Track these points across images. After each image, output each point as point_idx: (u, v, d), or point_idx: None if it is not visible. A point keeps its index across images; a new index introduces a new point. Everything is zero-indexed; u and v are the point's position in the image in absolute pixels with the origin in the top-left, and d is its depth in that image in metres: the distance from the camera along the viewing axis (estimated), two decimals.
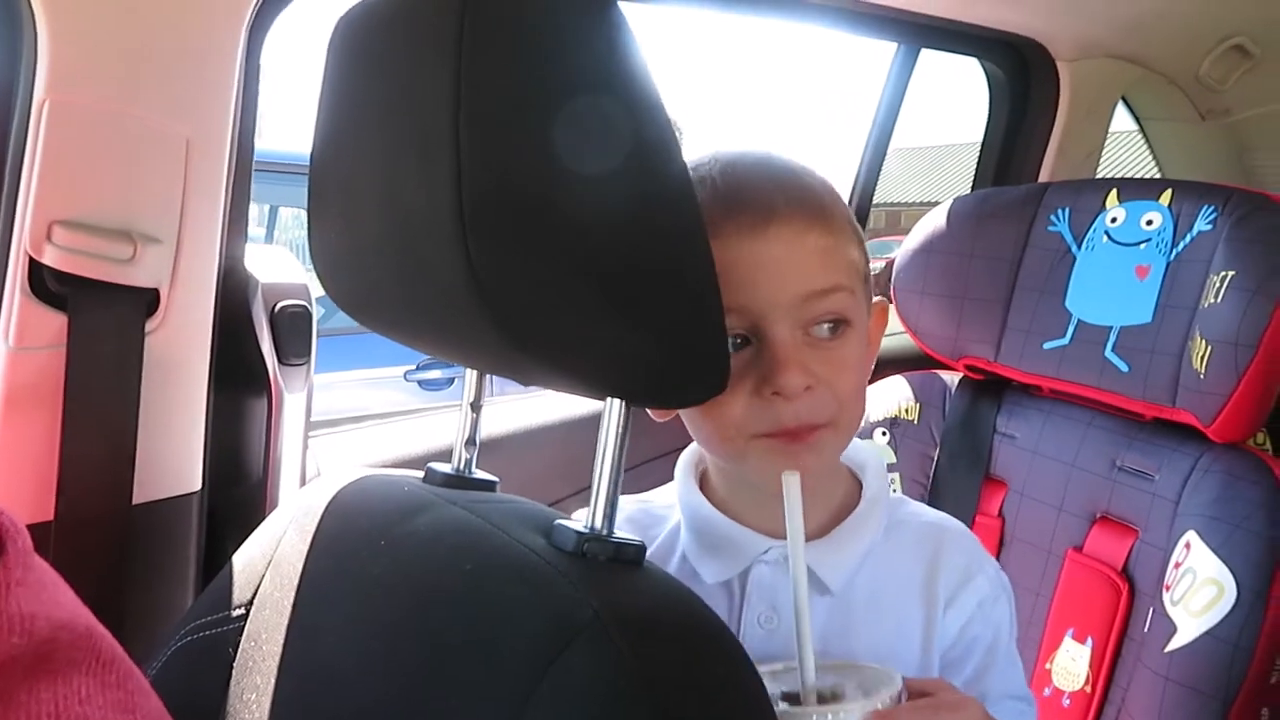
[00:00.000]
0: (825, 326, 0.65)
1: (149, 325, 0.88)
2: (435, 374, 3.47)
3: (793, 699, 0.60)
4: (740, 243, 0.63)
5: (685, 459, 0.75)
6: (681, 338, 0.53)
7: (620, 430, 0.54)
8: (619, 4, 0.49)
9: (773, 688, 0.58)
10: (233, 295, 0.96)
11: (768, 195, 0.65)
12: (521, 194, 0.47)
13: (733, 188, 0.65)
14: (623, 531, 0.53)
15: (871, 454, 0.75)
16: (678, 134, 0.53)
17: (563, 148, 0.47)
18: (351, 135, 0.57)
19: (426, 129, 0.48)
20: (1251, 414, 0.99)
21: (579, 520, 0.55)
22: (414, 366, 3.45)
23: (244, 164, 0.95)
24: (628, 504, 0.76)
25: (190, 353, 0.91)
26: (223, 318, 0.93)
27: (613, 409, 0.54)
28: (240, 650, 0.65)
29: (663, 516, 0.75)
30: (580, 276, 0.48)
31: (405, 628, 0.54)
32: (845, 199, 0.71)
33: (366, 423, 1.27)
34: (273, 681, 0.61)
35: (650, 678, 0.45)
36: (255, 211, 4.15)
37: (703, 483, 0.74)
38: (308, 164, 0.60)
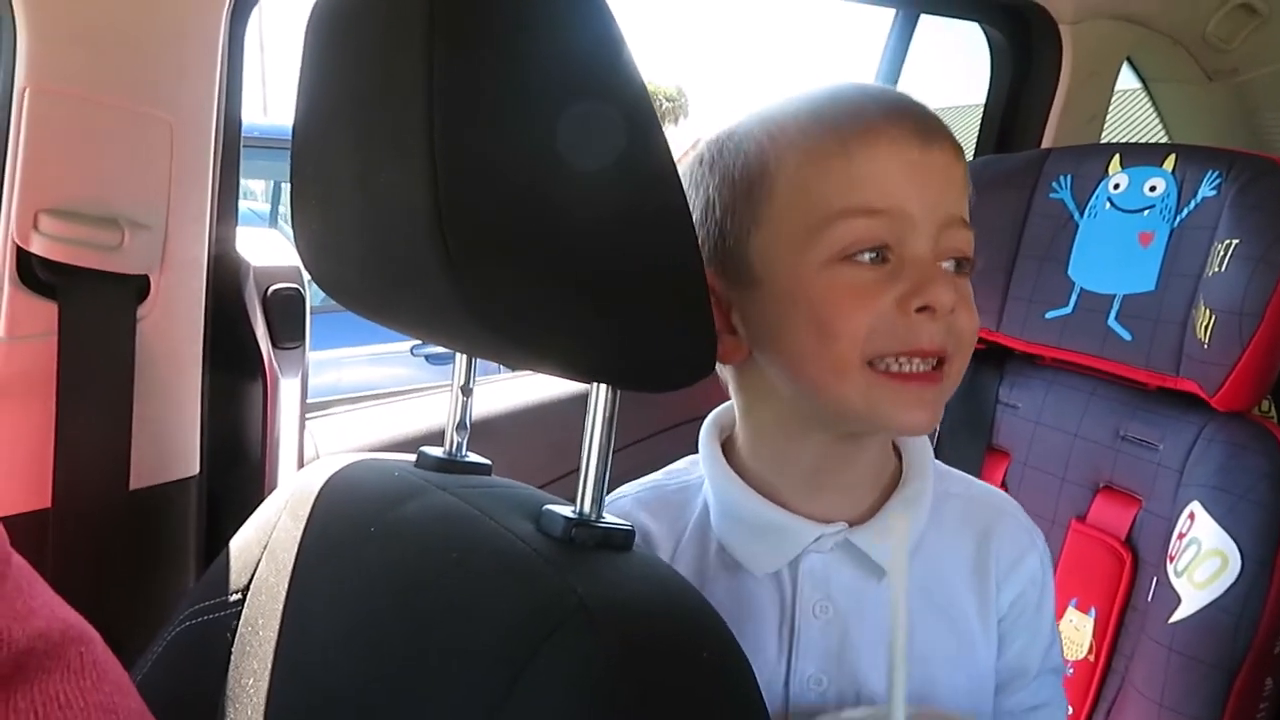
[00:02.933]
0: (952, 263, 0.61)
1: (140, 312, 0.87)
2: (441, 348, 3.46)
3: None
4: (906, 147, 0.60)
5: (709, 430, 0.70)
6: (667, 320, 0.53)
7: (607, 414, 0.54)
8: None
9: None
10: (224, 280, 0.96)
11: (926, 114, 0.62)
12: (498, 184, 0.46)
13: (884, 101, 0.62)
14: (643, 521, 0.52)
15: None
16: (682, 100, 0.52)
17: (540, 137, 0.46)
18: (328, 121, 0.56)
19: (400, 121, 0.47)
20: (1256, 383, 0.98)
21: (570, 506, 0.54)
22: (420, 341, 3.45)
23: (230, 147, 0.95)
24: (638, 489, 0.72)
25: (183, 338, 0.91)
26: (215, 302, 0.93)
27: (599, 393, 0.53)
28: (238, 635, 0.65)
29: (683, 501, 0.70)
30: (560, 264, 0.48)
31: (392, 616, 0.54)
32: None
33: (365, 403, 1.27)
34: (269, 666, 0.61)
35: (634, 666, 0.45)
36: (261, 187, 4.13)
37: (727, 454, 0.69)
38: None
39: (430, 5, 0.45)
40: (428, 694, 0.49)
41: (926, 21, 1.61)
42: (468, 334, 0.54)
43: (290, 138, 0.58)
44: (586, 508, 0.53)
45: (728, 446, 0.70)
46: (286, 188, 3.61)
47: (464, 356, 0.68)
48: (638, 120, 0.49)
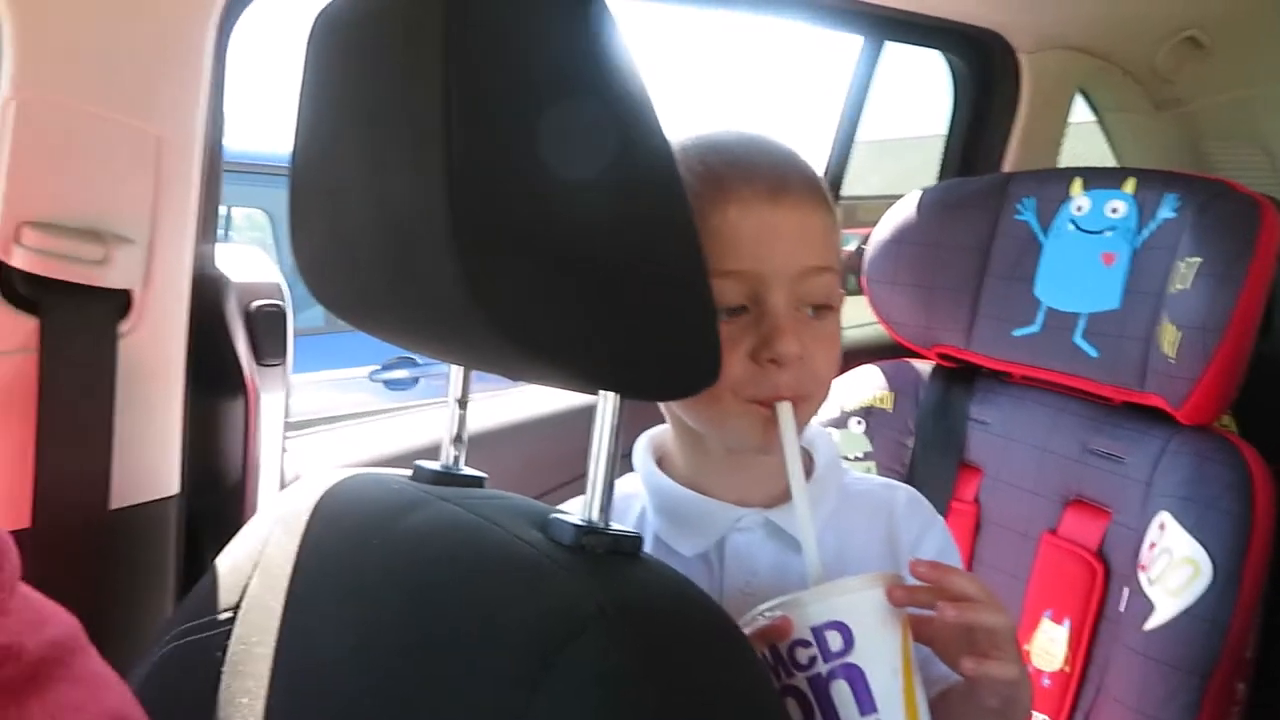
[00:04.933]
0: (810, 308, 0.67)
1: (122, 327, 0.86)
2: (401, 374, 3.45)
3: None
4: (755, 208, 0.65)
5: (641, 446, 0.77)
6: (674, 329, 0.53)
7: (614, 423, 0.54)
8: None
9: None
10: (206, 296, 0.94)
11: (780, 167, 0.68)
12: (512, 193, 0.47)
13: (740, 157, 0.67)
14: None
15: (817, 428, 0.78)
16: None
17: (552, 146, 0.47)
18: (335, 135, 0.57)
19: (416, 131, 0.47)
20: (1220, 396, 1.02)
21: (574, 514, 0.55)
22: (379, 367, 3.42)
23: (214, 162, 0.94)
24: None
25: (165, 354, 0.89)
26: (197, 319, 0.92)
27: (607, 402, 0.54)
28: (229, 654, 0.64)
29: (624, 508, 0.76)
30: (572, 273, 0.48)
31: (400, 627, 0.54)
32: None
33: (342, 423, 1.26)
34: (265, 684, 0.60)
35: (654, 664, 0.45)
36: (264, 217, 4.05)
37: (661, 465, 0.75)
38: (258, 162, 0.59)
39: (446, 15, 0.46)
40: (446, 702, 0.49)
41: (892, 51, 1.65)
42: (477, 344, 0.54)
43: (242, 160, 0.58)
44: (595, 515, 0.54)
45: (662, 462, 0.76)
46: (234, 214, 3.57)
47: (460, 369, 0.68)
48: (645, 131, 0.50)
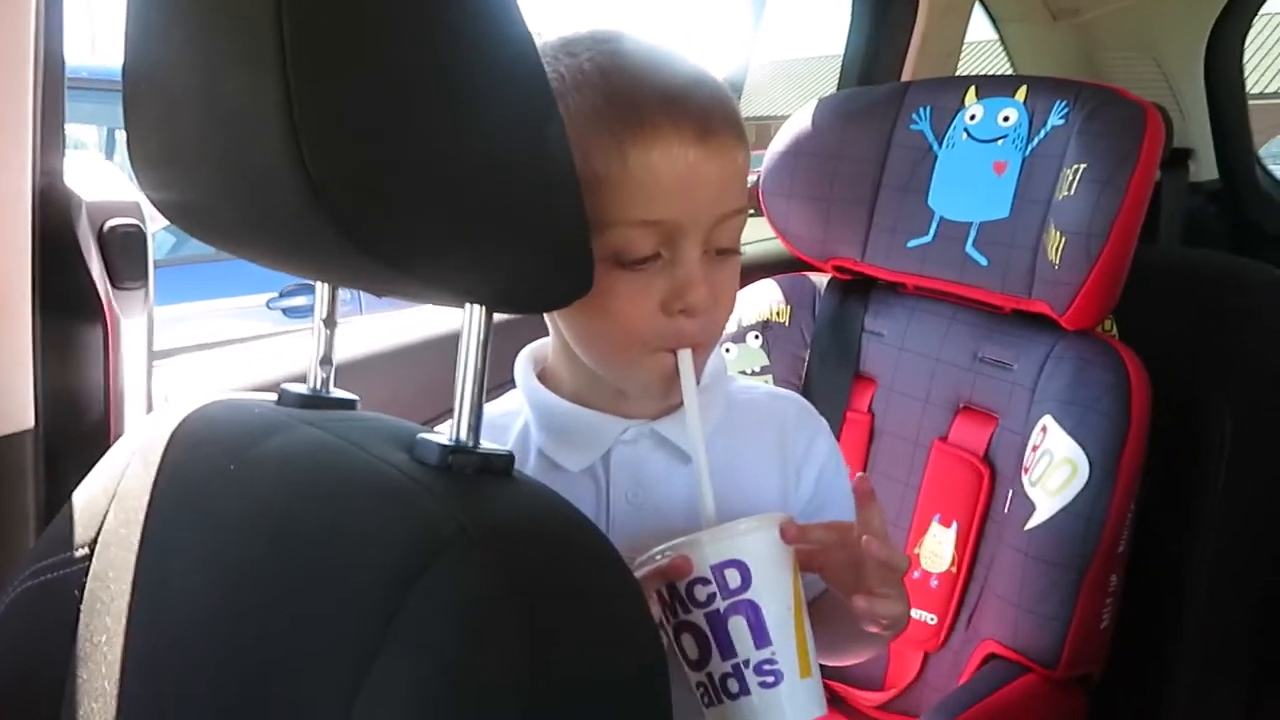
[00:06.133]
0: (718, 250, 0.65)
1: None
2: (300, 300, 3.34)
3: None
4: (681, 154, 0.61)
5: (522, 360, 0.75)
6: (544, 238, 0.51)
7: (481, 338, 0.52)
8: None
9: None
10: (53, 215, 0.87)
11: (708, 104, 0.63)
12: (355, 85, 0.43)
13: (662, 87, 0.62)
14: None
15: None
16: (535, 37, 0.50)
17: (400, 33, 0.43)
18: (164, 28, 0.51)
19: (246, 17, 0.43)
20: (1102, 301, 1.04)
21: (443, 434, 0.52)
22: (277, 294, 3.31)
23: (53, 72, 0.86)
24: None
25: (8, 278, 0.83)
26: (43, 240, 0.85)
27: (472, 315, 0.51)
28: (87, 591, 0.61)
29: (505, 425, 0.74)
30: (433, 176, 0.45)
31: (259, 556, 0.51)
32: None
33: (217, 349, 1.20)
34: (123, 622, 0.58)
35: (519, 587, 0.44)
36: (94, 135, 3.83)
37: (543, 379, 0.73)
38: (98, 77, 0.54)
39: None
40: (301, 630, 0.47)
41: None
42: (331, 257, 0.50)
43: (121, 54, 0.53)
44: (463, 434, 0.51)
45: (543, 375, 0.74)
46: (121, 135, 3.38)
47: (325, 286, 0.64)
48: (501, 11, 0.46)
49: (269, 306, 3.30)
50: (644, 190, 0.61)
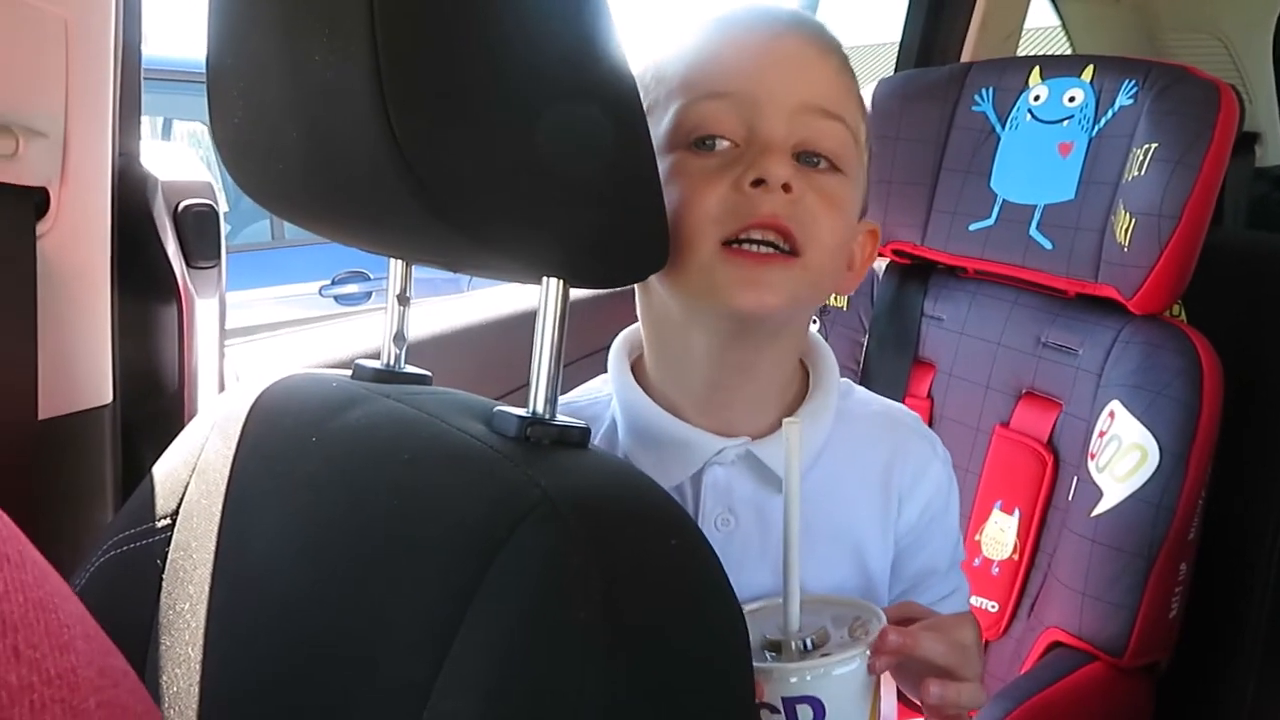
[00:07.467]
0: (819, 159, 0.60)
1: (40, 228, 0.81)
2: (352, 288, 3.39)
3: (773, 645, 0.57)
4: (758, 33, 0.60)
5: (618, 347, 0.70)
6: (621, 211, 0.51)
7: (559, 310, 0.52)
8: None
9: (752, 629, 0.55)
10: (130, 194, 0.89)
11: (799, 15, 0.63)
12: (443, 57, 0.43)
13: (759, 4, 0.63)
14: None
15: (821, 342, 0.72)
16: None
17: (492, 10, 0.44)
18: (250, 2, 0.52)
19: None
20: (1172, 284, 1.02)
21: (519, 407, 0.53)
22: (329, 281, 3.36)
23: (131, 52, 0.88)
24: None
25: (88, 257, 0.85)
26: (121, 219, 0.87)
27: (550, 288, 0.52)
28: (169, 561, 0.62)
29: (594, 416, 0.69)
30: (516, 148, 0.45)
31: (340, 524, 0.52)
32: None
33: (284, 330, 1.22)
34: (206, 590, 0.59)
35: (602, 555, 0.44)
36: (146, 125, 3.91)
37: (637, 374, 0.69)
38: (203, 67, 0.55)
39: None
40: (389, 591, 0.47)
41: None
42: (412, 231, 0.51)
43: (187, 68, 0.54)
44: (540, 407, 0.52)
45: (637, 367, 0.69)
46: (176, 125, 3.44)
47: (400, 263, 0.65)
48: (593, 5, 0.47)
49: (321, 294, 3.36)
50: (717, 61, 0.59)
